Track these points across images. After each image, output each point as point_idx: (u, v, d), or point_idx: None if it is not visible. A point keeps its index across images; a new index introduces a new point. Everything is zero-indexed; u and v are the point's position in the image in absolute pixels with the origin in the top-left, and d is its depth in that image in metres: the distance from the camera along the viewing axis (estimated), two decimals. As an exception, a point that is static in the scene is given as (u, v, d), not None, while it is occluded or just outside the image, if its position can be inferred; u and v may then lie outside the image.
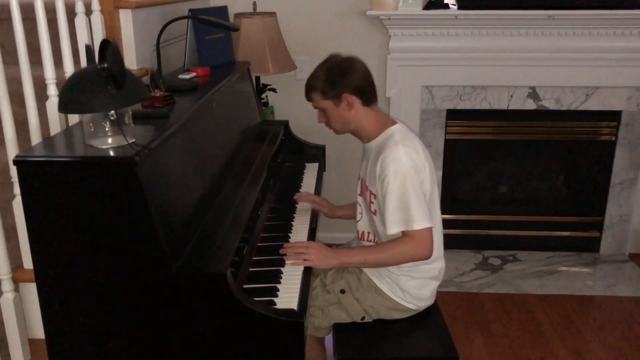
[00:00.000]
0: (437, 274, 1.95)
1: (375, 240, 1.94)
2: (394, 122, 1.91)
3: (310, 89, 1.89)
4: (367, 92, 1.87)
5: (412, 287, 1.90)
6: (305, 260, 1.77)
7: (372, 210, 1.88)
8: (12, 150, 1.84)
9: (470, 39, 3.05)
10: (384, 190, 1.78)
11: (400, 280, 1.89)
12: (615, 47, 3.04)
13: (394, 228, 1.77)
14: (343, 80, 1.83)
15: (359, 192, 2.00)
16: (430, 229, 1.77)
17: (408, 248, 1.77)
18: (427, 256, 1.79)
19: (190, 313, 1.43)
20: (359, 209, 2.00)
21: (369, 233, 1.97)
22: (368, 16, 3.05)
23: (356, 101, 1.85)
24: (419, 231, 1.75)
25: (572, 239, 3.46)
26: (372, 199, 1.87)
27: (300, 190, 2.34)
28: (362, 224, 1.99)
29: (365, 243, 1.98)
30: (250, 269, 1.72)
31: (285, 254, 1.78)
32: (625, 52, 3.05)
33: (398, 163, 1.76)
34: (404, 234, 1.77)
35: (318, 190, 2.39)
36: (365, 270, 1.94)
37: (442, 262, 1.97)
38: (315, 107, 1.92)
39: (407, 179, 1.75)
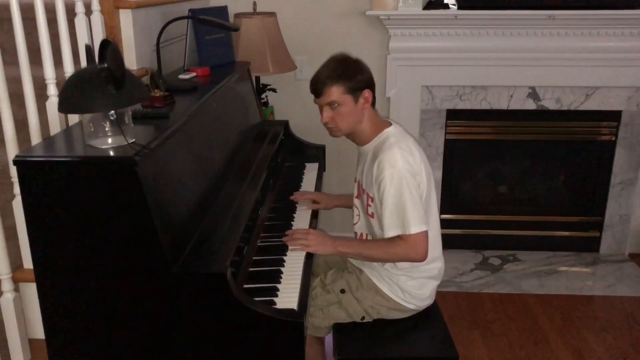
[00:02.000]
0: (436, 274, 1.95)
1: None
2: (389, 124, 1.90)
3: (326, 83, 1.78)
4: (374, 92, 1.87)
5: (411, 287, 1.90)
6: (304, 245, 1.81)
7: (370, 213, 1.88)
8: (12, 150, 1.83)
9: (470, 39, 3.05)
10: (381, 194, 1.77)
11: (400, 280, 1.89)
12: (615, 47, 3.03)
13: (390, 231, 1.77)
14: (362, 75, 1.81)
15: (355, 194, 1.99)
16: (425, 233, 1.77)
17: (401, 250, 1.78)
18: (421, 259, 1.79)
19: (190, 313, 1.43)
20: (355, 211, 1.99)
21: (367, 235, 1.96)
22: (368, 16, 3.05)
23: (370, 99, 1.84)
24: (413, 235, 1.75)
25: (572, 239, 3.46)
26: (370, 202, 1.87)
27: (300, 190, 2.34)
28: (360, 227, 1.99)
29: None
30: (250, 269, 1.72)
31: (286, 241, 1.85)
32: (625, 52, 3.04)
33: (394, 167, 1.75)
34: (399, 237, 1.77)
35: (318, 190, 2.38)
36: (365, 270, 1.95)
37: (441, 262, 1.97)
38: (327, 103, 1.80)
39: (403, 183, 1.74)
